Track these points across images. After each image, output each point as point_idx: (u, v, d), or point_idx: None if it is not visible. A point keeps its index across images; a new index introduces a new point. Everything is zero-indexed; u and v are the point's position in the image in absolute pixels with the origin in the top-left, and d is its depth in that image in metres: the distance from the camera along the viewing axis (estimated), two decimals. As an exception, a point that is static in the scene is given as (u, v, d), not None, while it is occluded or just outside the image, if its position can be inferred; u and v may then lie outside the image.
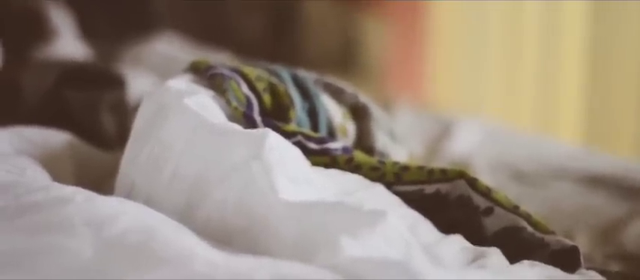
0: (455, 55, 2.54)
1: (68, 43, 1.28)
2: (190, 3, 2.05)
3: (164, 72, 1.24)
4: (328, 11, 2.29)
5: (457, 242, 0.73)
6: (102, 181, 0.87)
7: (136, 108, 0.84)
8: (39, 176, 0.79)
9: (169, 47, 1.55)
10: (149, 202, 0.74)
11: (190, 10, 2.04)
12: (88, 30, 1.48)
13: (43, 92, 1.02)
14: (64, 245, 0.62)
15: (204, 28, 1.98)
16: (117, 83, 1.03)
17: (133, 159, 0.78)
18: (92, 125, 1.00)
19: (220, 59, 1.17)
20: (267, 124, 0.79)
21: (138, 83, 1.16)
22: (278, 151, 0.71)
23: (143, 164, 0.77)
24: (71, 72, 1.05)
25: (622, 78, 2.15)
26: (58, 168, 0.85)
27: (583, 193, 1.05)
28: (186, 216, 0.71)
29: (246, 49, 1.66)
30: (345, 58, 2.30)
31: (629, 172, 1.13)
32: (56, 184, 0.73)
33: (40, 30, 1.31)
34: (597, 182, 1.09)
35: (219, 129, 0.75)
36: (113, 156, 0.92)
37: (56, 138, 0.91)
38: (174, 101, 0.78)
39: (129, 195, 0.77)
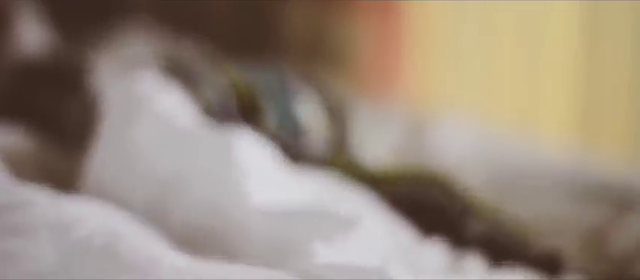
0: (434, 46, 2.53)
1: (32, 34, 1.27)
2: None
3: (135, 67, 1.24)
4: (304, 4, 2.30)
5: (435, 247, 0.72)
6: (66, 183, 0.86)
7: (104, 106, 0.83)
8: (1, 176, 0.75)
9: (141, 40, 1.55)
10: (118, 204, 0.71)
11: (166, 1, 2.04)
12: (55, 19, 1.47)
13: (5, 89, 1.01)
14: (24, 250, 0.60)
15: (178, 19, 1.97)
16: (84, 79, 1.03)
17: (102, 159, 0.77)
18: (57, 124, 0.98)
19: (194, 53, 1.18)
20: (241, 124, 0.79)
21: (107, 78, 1.15)
22: (251, 152, 0.71)
23: (112, 165, 0.76)
24: (35, 68, 1.04)
25: (612, 67, 2.14)
26: (20, 170, 0.84)
27: (569, 197, 1.06)
28: (156, 219, 0.70)
29: (220, 40, 1.66)
30: (320, 53, 2.31)
31: (616, 176, 1.14)
32: (18, 186, 0.71)
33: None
34: (584, 186, 1.10)
35: (191, 129, 0.74)
36: (79, 157, 0.90)
37: (18, 138, 0.90)
38: (145, 99, 0.77)
39: (97, 197, 0.74)
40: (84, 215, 0.64)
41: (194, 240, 0.67)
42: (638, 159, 2.01)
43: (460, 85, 2.45)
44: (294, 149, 0.80)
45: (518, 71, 2.31)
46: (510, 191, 1.08)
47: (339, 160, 0.80)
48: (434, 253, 0.71)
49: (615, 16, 2.11)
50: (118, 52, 1.47)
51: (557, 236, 0.91)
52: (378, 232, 0.67)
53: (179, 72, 0.84)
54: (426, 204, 0.77)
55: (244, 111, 0.84)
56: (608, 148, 2.06)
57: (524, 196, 1.05)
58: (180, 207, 0.71)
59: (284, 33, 2.23)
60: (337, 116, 0.92)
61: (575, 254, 0.88)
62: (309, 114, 0.89)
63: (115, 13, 1.73)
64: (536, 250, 0.75)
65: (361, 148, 0.92)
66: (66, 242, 0.60)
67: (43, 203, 0.65)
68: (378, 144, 0.95)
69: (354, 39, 2.37)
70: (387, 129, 1.44)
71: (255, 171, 0.69)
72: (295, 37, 2.26)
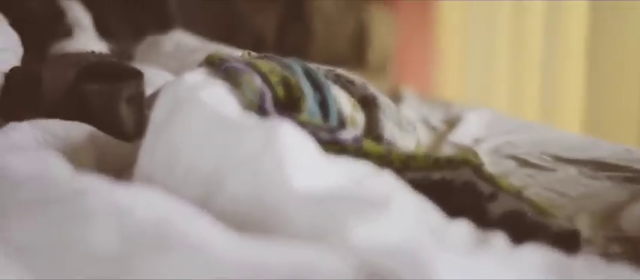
0: (462, 47, 2.55)
1: (88, 41, 1.31)
2: (203, 3, 2.07)
3: (179, 67, 1.25)
4: (337, 4, 2.30)
5: (463, 227, 0.74)
6: (122, 171, 0.89)
7: (153, 101, 0.85)
8: (62, 168, 0.80)
9: (184, 41, 1.57)
10: (167, 192, 0.73)
11: (203, 10, 2.06)
12: (106, 30, 1.51)
13: (64, 86, 1.04)
14: (86, 235, 0.63)
15: (217, 26, 1.99)
16: (134, 77, 1.05)
17: (150, 152, 0.79)
18: (111, 117, 1.01)
19: (233, 53, 1.19)
20: (280, 115, 0.81)
21: (155, 77, 1.18)
22: (291, 141, 0.72)
23: (159, 157, 0.78)
24: (90, 67, 1.06)
25: (623, 71, 2.16)
26: (80, 160, 0.87)
27: (585, 178, 1.07)
28: (201, 208, 0.71)
29: (257, 45, 1.67)
30: (354, 50, 2.31)
31: (630, 158, 1.15)
32: (78, 175, 0.75)
33: (60, 28, 1.33)
34: (599, 168, 1.11)
35: (234, 122, 0.76)
36: (131, 146, 0.93)
37: (77, 130, 0.93)
38: (190, 94, 0.79)
39: (147, 185, 0.77)
40: (138, 201, 0.67)
41: (237, 228, 0.69)
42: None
43: (486, 81, 2.46)
44: (329, 136, 0.81)
45: (538, 73, 2.33)
46: (531, 174, 1.09)
47: (372, 146, 0.82)
48: (460, 232, 0.74)
49: (624, 26, 2.15)
50: (164, 52, 1.50)
51: (574, 217, 0.92)
52: (410, 213, 0.69)
53: (221, 70, 0.86)
54: (455, 186, 0.80)
55: (284, 103, 0.86)
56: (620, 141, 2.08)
57: (544, 179, 1.06)
58: (222, 197, 0.72)
59: (318, 29, 2.25)
60: (371, 106, 0.94)
61: (591, 233, 0.89)
62: (345, 104, 0.91)
63: (162, 23, 1.78)
64: (555, 229, 0.78)
65: (393, 135, 0.93)
66: (123, 227, 0.64)
67: (100, 191, 0.68)
68: (409, 132, 0.95)
69: (387, 36, 2.38)
70: (418, 118, 1.46)
71: (294, 159, 0.71)
72: (329, 32, 2.28)
